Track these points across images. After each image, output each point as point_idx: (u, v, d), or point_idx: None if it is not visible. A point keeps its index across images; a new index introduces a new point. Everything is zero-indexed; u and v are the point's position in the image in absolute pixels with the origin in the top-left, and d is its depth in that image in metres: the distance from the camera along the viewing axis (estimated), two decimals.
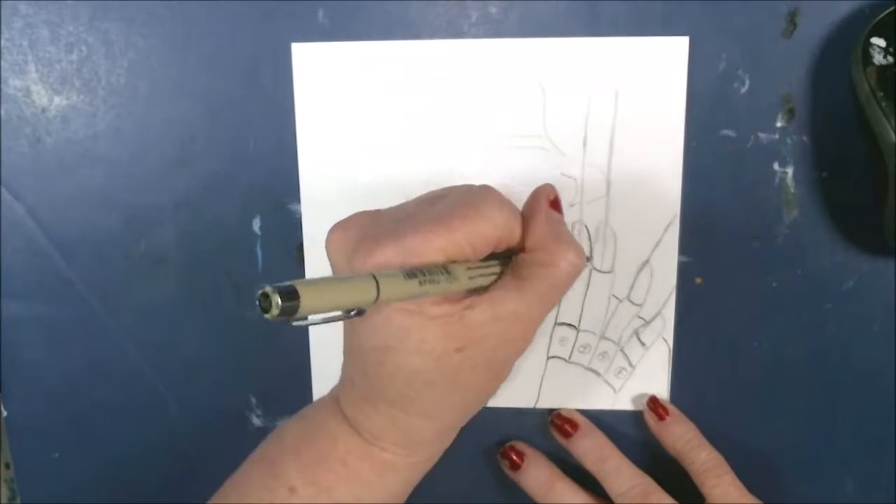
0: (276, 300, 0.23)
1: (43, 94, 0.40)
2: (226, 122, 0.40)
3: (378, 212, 0.33)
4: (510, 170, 0.39)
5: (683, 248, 0.39)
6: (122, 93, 0.40)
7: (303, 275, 0.41)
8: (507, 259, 0.32)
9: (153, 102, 0.40)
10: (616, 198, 0.39)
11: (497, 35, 0.38)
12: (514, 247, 0.32)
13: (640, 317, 0.40)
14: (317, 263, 0.41)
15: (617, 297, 0.40)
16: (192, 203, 0.41)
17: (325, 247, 0.32)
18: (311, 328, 0.41)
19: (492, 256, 0.31)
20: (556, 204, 0.34)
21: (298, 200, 0.40)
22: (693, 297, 0.40)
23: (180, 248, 0.41)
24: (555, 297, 0.31)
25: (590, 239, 0.40)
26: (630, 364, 0.41)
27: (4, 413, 0.43)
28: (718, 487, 0.38)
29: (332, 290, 0.25)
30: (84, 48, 0.39)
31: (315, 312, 0.24)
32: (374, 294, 0.26)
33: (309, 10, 0.38)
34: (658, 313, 0.40)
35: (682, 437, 0.39)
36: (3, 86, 0.40)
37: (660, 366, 0.41)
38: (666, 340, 0.40)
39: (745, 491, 0.38)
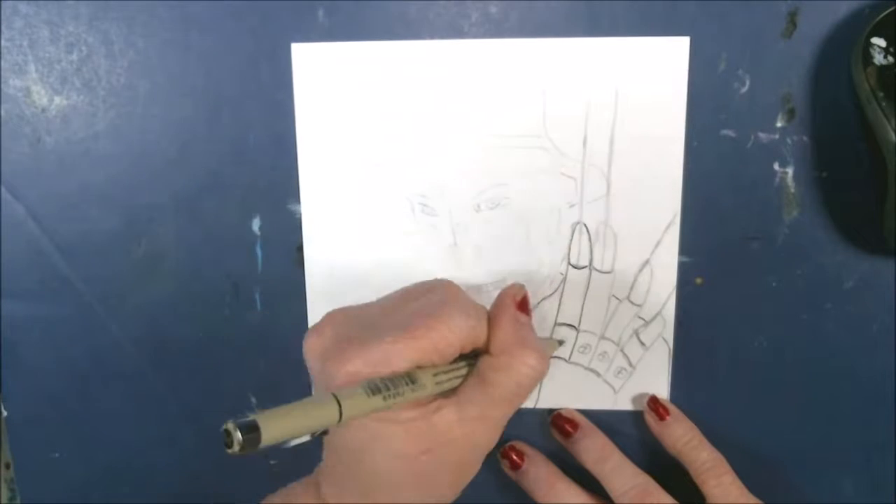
0: (238, 436, 0.24)
1: (43, 94, 0.40)
2: (225, 121, 0.40)
3: (351, 311, 0.34)
4: (510, 170, 0.39)
5: (683, 248, 0.39)
6: (122, 93, 0.40)
7: (302, 276, 0.41)
8: (473, 357, 0.33)
9: (153, 102, 0.40)
10: (616, 198, 0.39)
11: (497, 35, 0.38)
12: (481, 347, 0.33)
13: (640, 317, 0.40)
14: (317, 263, 0.41)
15: (617, 297, 0.40)
16: (192, 203, 0.41)
17: (304, 351, 0.33)
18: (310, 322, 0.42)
19: (459, 356, 0.32)
20: (523, 305, 0.34)
21: (298, 200, 0.40)
22: (693, 297, 0.40)
23: (180, 248, 0.41)
24: (519, 399, 0.33)
25: (590, 239, 0.40)
26: (630, 364, 0.41)
27: (4, 413, 0.43)
28: (719, 487, 0.38)
29: (294, 418, 0.26)
30: (84, 48, 0.39)
31: (278, 441, 0.25)
32: (336, 416, 0.27)
33: (309, 10, 0.38)
34: (658, 313, 0.40)
35: (682, 436, 0.39)
36: (3, 86, 0.40)
37: (660, 366, 0.41)
38: (666, 340, 0.40)
39: (745, 491, 0.38)
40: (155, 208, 0.41)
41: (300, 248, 0.41)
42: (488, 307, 0.34)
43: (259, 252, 0.41)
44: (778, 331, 0.40)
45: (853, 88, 0.36)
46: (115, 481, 0.44)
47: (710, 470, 0.38)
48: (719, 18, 0.37)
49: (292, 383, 0.42)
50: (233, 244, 0.41)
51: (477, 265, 0.40)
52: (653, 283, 0.40)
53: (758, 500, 0.38)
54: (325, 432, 0.27)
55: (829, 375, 0.40)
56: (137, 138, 0.40)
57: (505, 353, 0.33)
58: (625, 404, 0.41)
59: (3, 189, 0.41)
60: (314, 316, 0.41)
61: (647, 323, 0.40)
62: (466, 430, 0.32)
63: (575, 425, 0.40)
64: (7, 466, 0.46)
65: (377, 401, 0.28)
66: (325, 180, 0.40)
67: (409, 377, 0.30)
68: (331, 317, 0.34)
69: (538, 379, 0.33)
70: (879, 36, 0.35)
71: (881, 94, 0.35)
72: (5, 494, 0.47)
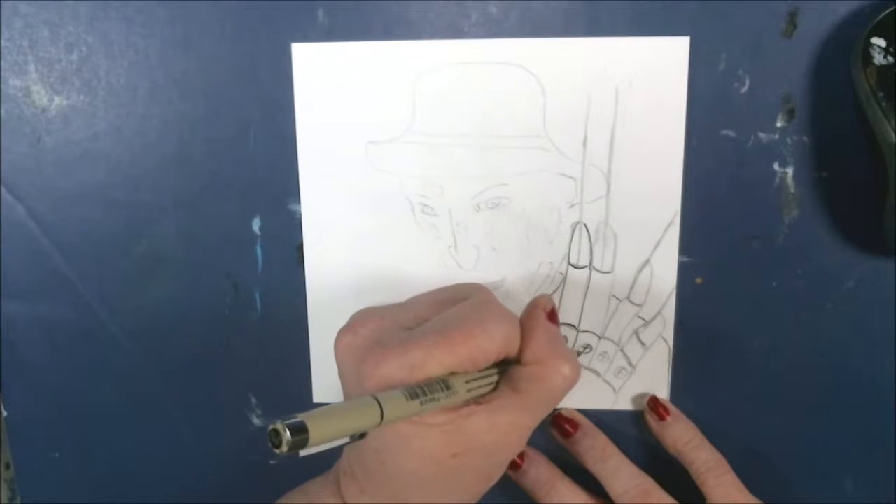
0: (287, 437, 0.24)
1: (43, 94, 0.40)
2: (225, 121, 0.40)
3: (384, 313, 0.34)
4: (510, 170, 0.39)
5: (683, 248, 0.39)
6: (122, 93, 0.40)
7: (302, 276, 0.41)
8: (503, 365, 0.34)
9: (153, 102, 0.40)
10: (616, 198, 0.39)
11: (497, 35, 0.38)
12: (512, 356, 0.33)
13: (640, 317, 0.40)
14: (317, 263, 0.41)
15: (617, 297, 0.40)
16: (192, 203, 0.41)
17: (334, 348, 0.34)
18: (310, 322, 0.42)
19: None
20: (552, 316, 0.35)
21: (298, 200, 0.40)
22: (693, 297, 0.40)
23: (180, 247, 0.41)
24: (550, 407, 0.34)
25: (590, 239, 0.40)
26: (630, 364, 0.41)
27: (4, 413, 0.43)
28: (719, 487, 0.38)
29: (339, 419, 0.26)
30: (84, 48, 0.39)
31: (323, 443, 0.25)
32: (378, 419, 0.27)
33: (309, 10, 0.38)
34: (658, 313, 0.40)
35: (682, 436, 0.39)
36: (3, 86, 0.40)
37: (660, 366, 0.41)
38: (666, 340, 0.40)
39: (745, 491, 0.38)
40: (155, 208, 0.41)
41: (300, 248, 0.41)
42: None
43: (259, 252, 0.41)
44: (778, 331, 0.40)
45: (853, 88, 0.36)
46: (115, 481, 0.44)
47: (710, 470, 0.38)
48: (719, 18, 0.37)
49: (292, 383, 0.42)
50: (233, 244, 0.41)
51: (477, 265, 0.40)
52: (653, 283, 0.40)
53: (758, 500, 0.38)
54: (363, 434, 0.27)
55: (829, 375, 0.40)
56: (137, 138, 0.40)
57: (538, 363, 0.33)
58: (625, 404, 0.41)
59: (3, 189, 0.41)
60: (314, 316, 0.41)
61: (647, 323, 0.40)
62: (496, 437, 0.32)
63: (575, 425, 0.40)
64: (7, 466, 0.46)
65: (415, 405, 0.29)
66: (325, 180, 0.40)
67: (444, 383, 0.30)
68: (364, 317, 0.34)
69: (569, 389, 0.33)
70: (879, 36, 0.35)
71: (881, 94, 0.35)
72: (5, 494, 0.47)
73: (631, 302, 0.40)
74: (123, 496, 0.44)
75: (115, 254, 0.41)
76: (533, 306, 0.35)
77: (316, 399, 0.42)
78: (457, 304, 0.33)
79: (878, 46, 0.35)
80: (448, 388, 0.30)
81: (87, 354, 0.42)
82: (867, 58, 0.35)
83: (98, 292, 0.42)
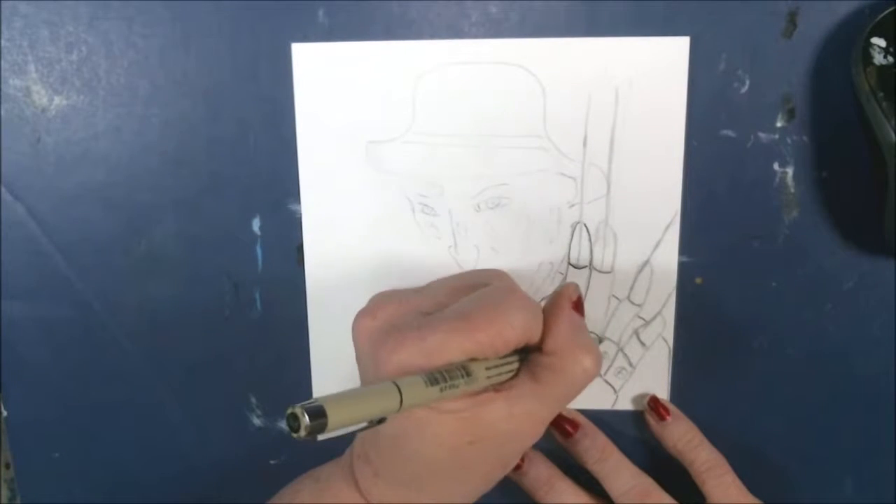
0: (305, 421, 0.24)
1: (43, 94, 0.40)
2: (225, 121, 0.40)
3: (403, 297, 0.34)
4: (510, 170, 0.39)
5: (683, 248, 0.39)
6: (122, 93, 0.40)
7: (302, 276, 0.41)
8: (523, 352, 0.33)
9: (153, 102, 0.40)
10: (616, 198, 0.39)
11: (497, 35, 0.38)
12: (533, 343, 0.33)
13: (640, 317, 0.40)
14: (317, 263, 0.41)
15: (617, 297, 0.40)
16: (191, 203, 0.41)
17: (352, 331, 0.33)
18: (310, 322, 0.42)
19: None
20: (578, 305, 0.34)
21: (298, 200, 0.40)
22: (693, 297, 0.40)
23: (180, 248, 0.41)
24: (569, 399, 0.33)
25: (590, 239, 0.40)
26: (630, 364, 0.41)
27: (4, 413, 0.43)
28: (719, 487, 0.38)
29: (357, 403, 0.26)
30: (84, 48, 0.39)
31: (342, 427, 0.25)
32: (397, 404, 0.27)
33: (309, 10, 0.38)
34: (658, 313, 0.40)
35: (682, 436, 0.39)
36: (3, 86, 0.40)
37: (660, 366, 0.41)
38: (666, 340, 0.40)
39: (745, 491, 0.38)
40: (155, 208, 0.41)
41: (300, 248, 0.41)
42: None
43: (259, 252, 0.41)
44: (778, 331, 0.40)
45: (853, 88, 0.36)
46: (115, 481, 0.44)
47: (710, 470, 0.38)
48: (719, 18, 0.37)
49: (292, 383, 0.42)
50: (233, 244, 0.41)
51: (477, 265, 0.40)
52: (653, 283, 0.40)
53: (758, 500, 0.38)
54: (381, 420, 0.27)
55: (829, 375, 0.40)
56: (137, 138, 0.40)
57: (559, 354, 0.32)
58: (625, 404, 0.41)
59: (3, 189, 0.41)
60: (314, 316, 0.41)
61: (647, 323, 0.40)
62: (513, 426, 0.31)
63: (575, 425, 0.40)
64: (7, 466, 0.46)
65: (434, 391, 0.28)
66: (325, 180, 0.40)
67: (465, 369, 0.29)
68: (383, 301, 0.33)
69: (591, 381, 0.33)
70: (879, 36, 0.35)
71: (881, 94, 0.35)
72: (5, 494, 0.47)
73: (631, 302, 0.40)
74: (123, 496, 0.44)
75: (115, 254, 0.41)
76: (558, 294, 0.34)
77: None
78: (477, 290, 0.33)
79: (878, 46, 0.35)
80: (468, 374, 0.29)
81: (87, 354, 0.42)
82: (867, 58, 0.35)
83: (98, 292, 0.42)
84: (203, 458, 0.44)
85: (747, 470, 0.39)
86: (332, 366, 0.42)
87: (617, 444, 0.40)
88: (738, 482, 0.38)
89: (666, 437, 0.40)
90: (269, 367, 0.42)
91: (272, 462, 0.43)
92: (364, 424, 0.27)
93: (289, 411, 0.24)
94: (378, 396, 0.27)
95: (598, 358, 0.33)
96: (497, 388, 0.32)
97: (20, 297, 0.42)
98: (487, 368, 0.31)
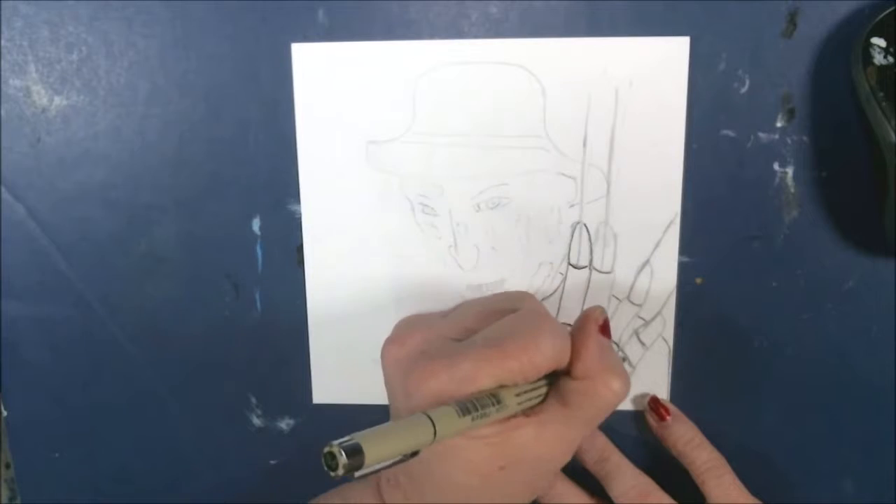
0: (343, 459, 0.24)
1: (43, 94, 0.40)
2: (225, 121, 0.40)
3: (430, 322, 0.34)
4: (510, 170, 0.39)
5: (683, 248, 0.39)
6: (122, 93, 0.40)
7: (302, 276, 0.41)
8: (552, 376, 0.33)
9: (153, 102, 0.40)
10: (616, 198, 0.39)
11: (497, 35, 0.38)
12: (561, 368, 0.33)
13: (640, 317, 0.40)
14: (317, 263, 0.41)
15: (617, 297, 0.40)
16: (191, 203, 0.41)
17: (381, 358, 0.34)
18: (310, 322, 0.42)
19: None
20: (605, 328, 0.34)
21: (298, 200, 0.40)
22: (693, 297, 0.40)
23: (180, 248, 0.41)
24: (598, 421, 0.33)
25: (590, 239, 0.40)
26: (630, 364, 0.41)
27: (4, 413, 0.43)
28: (719, 487, 0.38)
29: (392, 439, 0.26)
30: (84, 48, 0.39)
31: (378, 463, 0.25)
32: (431, 437, 0.27)
33: (309, 10, 0.38)
34: (658, 313, 0.40)
35: (682, 436, 0.39)
36: (3, 86, 0.40)
37: (660, 366, 0.41)
38: (666, 340, 0.40)
39: (745, 491, 0.38)
40: (155, 208, 0.41)
41: (300, 248, 0.41)
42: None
43: (259, 252, 0.41)
44: (778, 331, 0.40)
45: (853, 88, 0.36)
46: (115, 481, 0.44)
47: (710, 470, 0.38)
48: (719, 18, 0.37)
49: (292, 383, 0.42)
50: (233, 244, 0.41)
51: (477, 265, 0.40)
52: (653, 283, 0.40)
53: (758, 500, 0.38)
54: (415, 453, 0.27)
55: (829, 375, 0.40)
56: (137, 138, 0.40)
57: (589, 378, 0.33)
58: (625, 404, 0.41)
59: (3, 189, 0.41)
60: (314, 316, 0.41)
61: (647, 323, 0.40)
62: (543, 450, 0.32)
63: None
64: (7, 466, 0.46)
65: (466, 421, 0.28)
66: (325, 180, 0.40)
67: (495, 397, 0.30)
68: (410, 329, 0.34)
69: (620, 402, 0.33)
70: (879, 36, 0.35)
71: (881, 94, 0.35)
72: (5, 494, 0.47)
73: (631, 302, 0.40)
74: (123, 496, 0.44)
75: (115, 254, 0.41)
76: (585, 318, 0.34)
77: (316, 399, 0.42)
78: (505, 315, 0.33)
79: (878, 46, 0.35)
80: (499, 401, 0.30)
81: (87, 354, 0.42)
82: (867, 58, 0.35)
83: (98, 292, 0.42)
84: (203, 458, 0.44)
85: (747, 470, 0.39)
86: (332, 366, 0.42)
87: (617, 445, 0.40)
88: (738, 482, 0.38)
89: (666, 438, 0.40)
90: (269, 367, 0.42)
91: (272, 462, 0.43)
92: (398, 458, 0.27)
93: (326, 450, 0.24)
94: (412, 430, 0.27)
95: (627, 380, 0.33)
96: (527, 412, 0.32)
97: (20, 297, 0.42)
98: (517, 395, 0.31)
